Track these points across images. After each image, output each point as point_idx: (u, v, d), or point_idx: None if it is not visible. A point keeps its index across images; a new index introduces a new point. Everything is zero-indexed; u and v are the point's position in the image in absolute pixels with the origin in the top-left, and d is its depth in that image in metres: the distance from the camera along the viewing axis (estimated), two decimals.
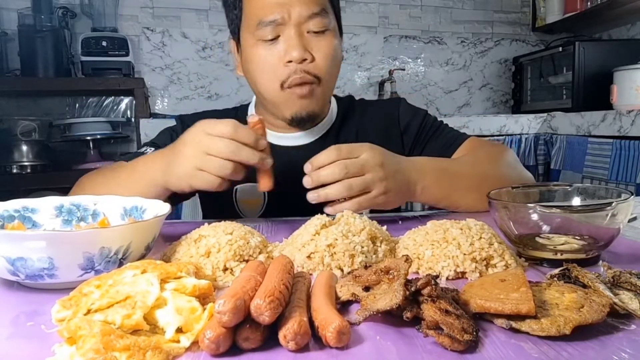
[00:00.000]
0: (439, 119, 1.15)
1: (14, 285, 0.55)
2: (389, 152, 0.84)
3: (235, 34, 1.02)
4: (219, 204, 1.06)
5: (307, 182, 0.79)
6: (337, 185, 0.77)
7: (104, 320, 0.38)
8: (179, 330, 0.40)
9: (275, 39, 0.94)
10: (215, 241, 0.59)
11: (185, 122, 1.08)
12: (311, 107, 0.98)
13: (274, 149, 1.02)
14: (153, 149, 1.00)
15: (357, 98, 1.21)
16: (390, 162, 0.81)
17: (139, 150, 1.03)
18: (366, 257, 0.58)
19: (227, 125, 0.75)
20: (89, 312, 0.39)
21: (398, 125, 1.12)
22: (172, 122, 1.16)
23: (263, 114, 1.05)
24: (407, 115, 1.13)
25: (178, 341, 0.39)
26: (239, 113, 1.12)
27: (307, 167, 0.79)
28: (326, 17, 0.96)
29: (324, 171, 0.77)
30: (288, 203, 0.93)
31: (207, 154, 0.74)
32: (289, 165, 1.01)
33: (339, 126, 1.10)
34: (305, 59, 0.93)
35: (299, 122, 1.01)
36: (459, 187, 0.90)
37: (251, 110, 1.13)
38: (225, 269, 0.57)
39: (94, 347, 0.35)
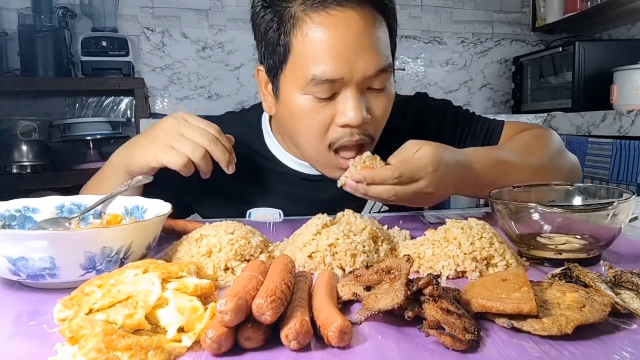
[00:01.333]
0: (463, 107, 1.09)
1: (16, 285, 0.55)
2: (450, 162, 0.75)
3: (272, 72, 0.85)
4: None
5: (350, 186, 0.74)
6: (382, 193, 0.73)
7: (106, 320, 0.38)
8: (181, 330, 0.40)
9: (330, 97, 0.80)
10: (217, 241, 0.59)
11: None
12: None
13: (295, 175, 0.97)
14: None
15: None
16: (448, 177, 0.75)
17: None
18: (367, 256, 0.58)
19: (211, 125, 0.80)
20: (90, 311, 0.39)
21: (427, 128, 1.04)
22: None
23: (284, 140, 0.97)
24: (435, 116, 1.05)
25: (180, 341, 0.39)
26: (245, 120, 1.03)
27: (357, 176, 0.73)
28: (390, 71, 0.83)
29: (373, 189, 0.73)
30: None
31: (182, 135, 0.77)
32: (309, 195, 0.96)
33: None
34: (365, 122, 0.81)
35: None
36: (511, 182, 0.79)
37: (266, 129, 1.00)
38: (226, 269, 0.57)
39: (96, 346, 0.35)
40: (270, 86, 0.88)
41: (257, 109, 1.03)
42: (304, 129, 0.83)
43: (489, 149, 0.92)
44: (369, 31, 0.79)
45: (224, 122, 0.99)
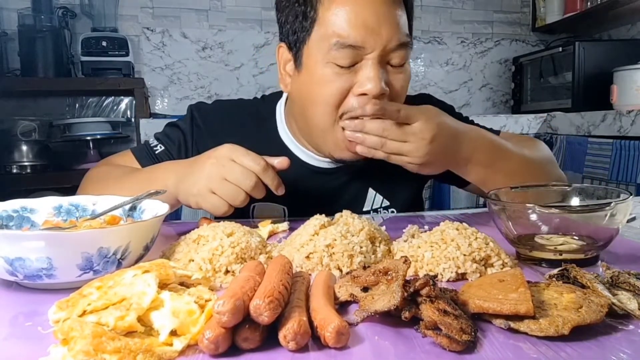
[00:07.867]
0: (463, 108, 1.12)
1: (13, 286, 0.55)
2: (448, 121, 0.81)
3: (294, 47, 0.88)
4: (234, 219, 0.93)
5: (347, 126, 0.81)
6: (373, 137, 0.78)
7: (97, 322, 0.38)
8: (174, 333, 0.39)
9: (351, 65, 0.82)
10: (218, 244, 0.58)
11: (198, 111, 1.03)
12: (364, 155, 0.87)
13: (303, 166, 0.97)
14: (163, 147, 0.99)
15: None
16: (443, 135, 0.78)
17: (149, 143, 1.01)
18: (365, 257, 0.58)
19: (256, 163, 0.75)
20: (84, 313, 0.39)
21: None
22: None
23: (293, 128, 0.98)
24: None
25: (171, 344, 0.39)
26: (261, 109, 1.03)
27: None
28: (410, 48, 0.86)
29: (368, 124, 0.78)
30: None
31: (224, 179, 0.74)
32: (314, 187, 0.97)
33: None
34: (382, 94, 0.82)
35: (344, 163, 0.92)
36: (504, 169, 0.86)
37: (280, 117, 1.01)
38: (226, 272, 0.57)
39: (84, 348, 0.35)
40: (289, 65, 0.91)
41: (273, 99, 1.04)
42: (321, 97, 0.84)
43: (485, 131, 0.92)
44: (393, 7, 0.83)
45: (239, 108, 1.04)
